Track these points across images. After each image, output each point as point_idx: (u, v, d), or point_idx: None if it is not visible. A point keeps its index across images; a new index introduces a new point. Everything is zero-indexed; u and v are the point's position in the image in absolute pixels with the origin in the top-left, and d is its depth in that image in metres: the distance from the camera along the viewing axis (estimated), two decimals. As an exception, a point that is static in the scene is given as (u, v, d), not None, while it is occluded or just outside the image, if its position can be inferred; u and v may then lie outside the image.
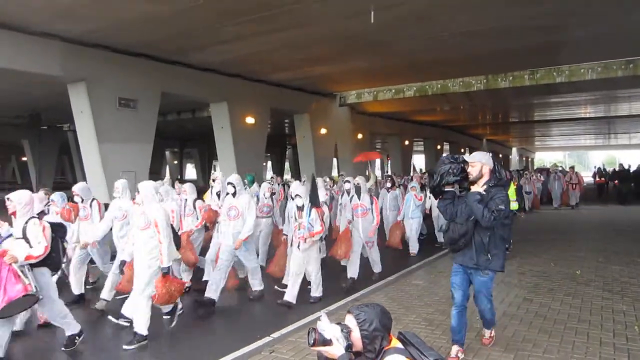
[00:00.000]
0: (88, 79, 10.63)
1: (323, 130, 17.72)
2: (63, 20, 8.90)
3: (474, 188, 4.02)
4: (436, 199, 4.23)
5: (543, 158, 72.96)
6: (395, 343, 2.10)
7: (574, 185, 18.12)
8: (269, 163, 44.79)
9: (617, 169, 23.57)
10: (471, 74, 14.82)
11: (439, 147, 31.02)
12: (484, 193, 3.92)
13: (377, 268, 7.40)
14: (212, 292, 5.84)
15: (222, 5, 8.26)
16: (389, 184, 10.26)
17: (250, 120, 14.77)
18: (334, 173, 21.19)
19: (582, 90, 16.85)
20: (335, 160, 21.21)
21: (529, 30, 9.86)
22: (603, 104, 22.55)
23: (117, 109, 11.17)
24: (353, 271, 6.87)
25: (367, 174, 13.00)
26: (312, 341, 2.05)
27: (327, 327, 2.08)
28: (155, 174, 20.94)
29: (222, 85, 13.70)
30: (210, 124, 14.86)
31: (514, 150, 54.83)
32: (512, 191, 9.27)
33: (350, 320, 2.12)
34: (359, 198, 6.97)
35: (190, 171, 54.06)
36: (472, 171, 4.01)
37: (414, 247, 9.28)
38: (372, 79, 15.75)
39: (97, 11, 8.44)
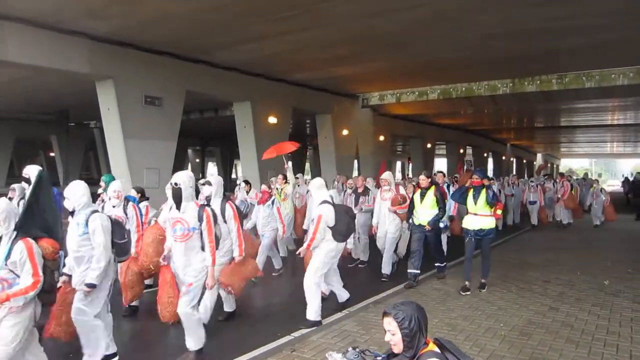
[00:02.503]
0: (115, 77, 10.78)
1: (345, 132, 17.66)
2: (91, 18, 9.04)
3: None
4: None
5: (569, 164, 71.53)
6: (433, 347, 2.08)
7: (557, 199, 14.48)
8: (290, 163, 44.89)
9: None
10: (497, 77, 14.55)
11: (461, 150, 30.67)
12: None
13: (191, 343, 4.28)
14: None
15: (247, 5, 8.30)
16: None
17: (272, 119, 14.81)
18: (355, 173, 20.95)
19: (612, 96, 16.40)
20: (356, 161, 21.08)
21: (558, 33, 9.63)
22: (633, 110, 21.93)
23: (143, 106, 11.31)
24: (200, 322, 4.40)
25: (283, 172, 8.95)
26: None
27: None
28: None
29: (245, 85, 13.77)
30: (232, 122, 14.94)
31: (539, 156, 53.74)
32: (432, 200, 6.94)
33: (390, 323, 2.10)
34: (178, 209, 4.30)
35: (212, 170, 54.74)
36: None
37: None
38: (395, 81, 15.62)
39: (124, 9, 8.56)
